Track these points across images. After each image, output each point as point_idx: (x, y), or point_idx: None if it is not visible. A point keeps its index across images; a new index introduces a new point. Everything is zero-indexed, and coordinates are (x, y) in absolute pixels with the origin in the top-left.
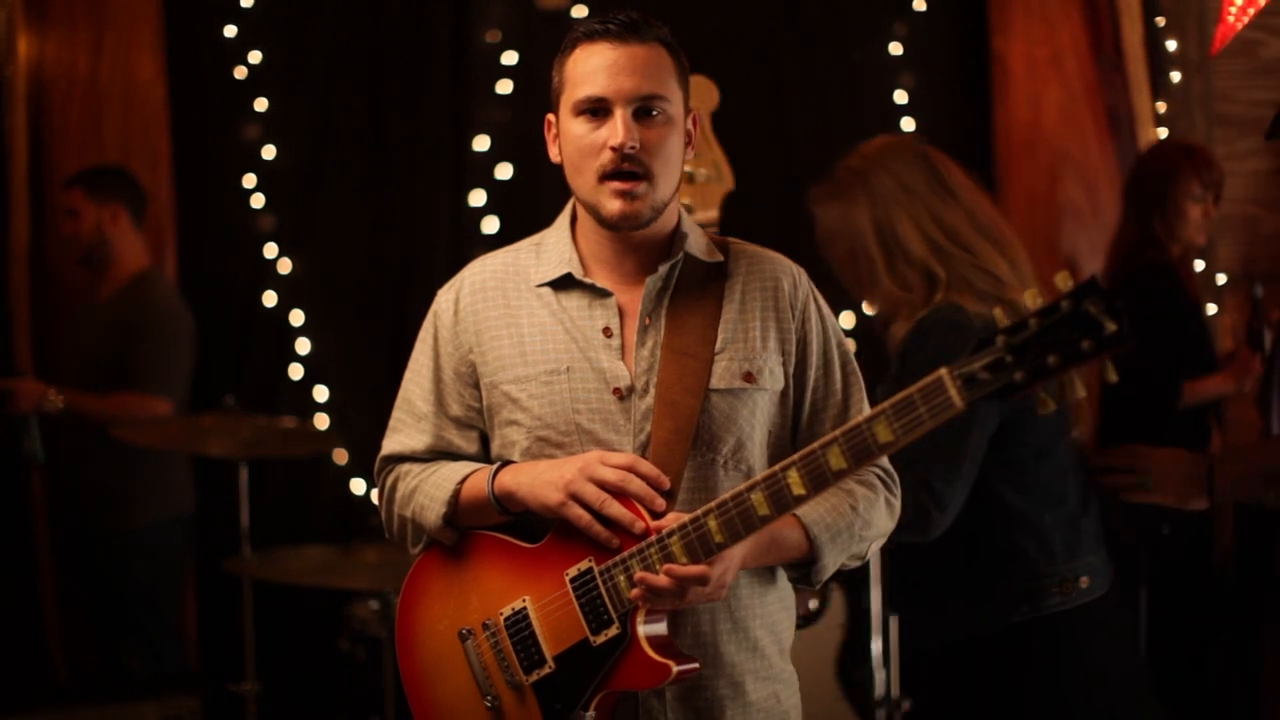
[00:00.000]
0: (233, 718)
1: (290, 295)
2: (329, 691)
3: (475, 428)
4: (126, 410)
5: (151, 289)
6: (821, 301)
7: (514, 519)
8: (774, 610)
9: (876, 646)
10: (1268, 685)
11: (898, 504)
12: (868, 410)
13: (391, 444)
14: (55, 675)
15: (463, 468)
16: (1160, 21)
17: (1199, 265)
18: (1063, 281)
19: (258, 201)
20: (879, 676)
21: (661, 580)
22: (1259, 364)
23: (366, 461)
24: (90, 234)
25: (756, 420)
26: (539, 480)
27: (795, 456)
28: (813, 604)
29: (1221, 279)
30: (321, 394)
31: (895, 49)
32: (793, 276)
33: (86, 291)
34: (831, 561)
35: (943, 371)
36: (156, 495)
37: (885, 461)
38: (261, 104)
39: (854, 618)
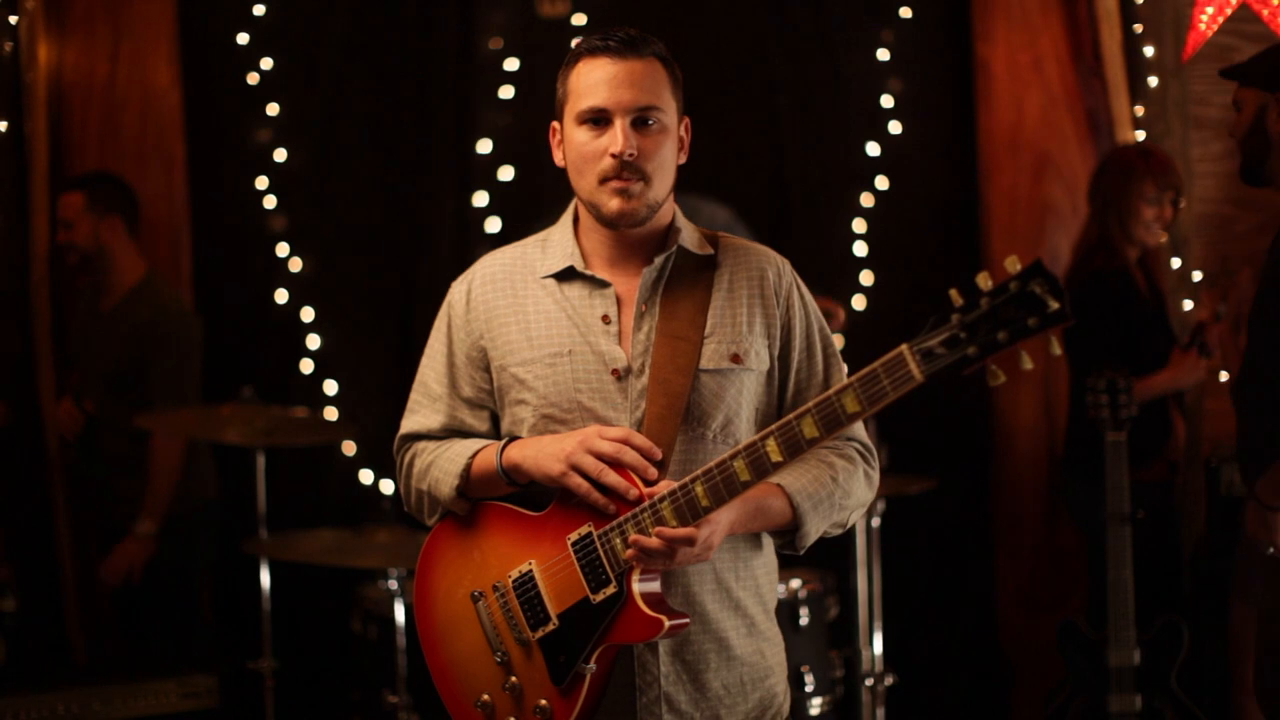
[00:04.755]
0: (250, 695)
1: (301, 293)
2: (343, 668)
3: (486, 408)
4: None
5: (155, 295)
6: (804, 290)
7: (521, 489)
8: (759, 574)
9: (862, 625)
10: (1233, 659)
11: (876, 476)
12: None
13: (409, 424)
14: (74, 655)
15: (474, 444)
16: (1138, 28)
17: (1176, 263)
18: (1011, 265)
19: (270, 203)
20: (865, 653)
21: (653, 542)
22: (1195, 360)
23: (374, 452)
24: (87, 244)
25: (744, 398)
26: (542, 453)
27: (773, 427)
28: None
29: (1197, 276)
30: (331, 388)
31: (883, 55)
32: (777, 267)
33: (90, 301)
34: (814, 528)
35: (904, 347)
36: (179, 483)
37: (864, 436)
38: (273, 109)
39: (843, 597)
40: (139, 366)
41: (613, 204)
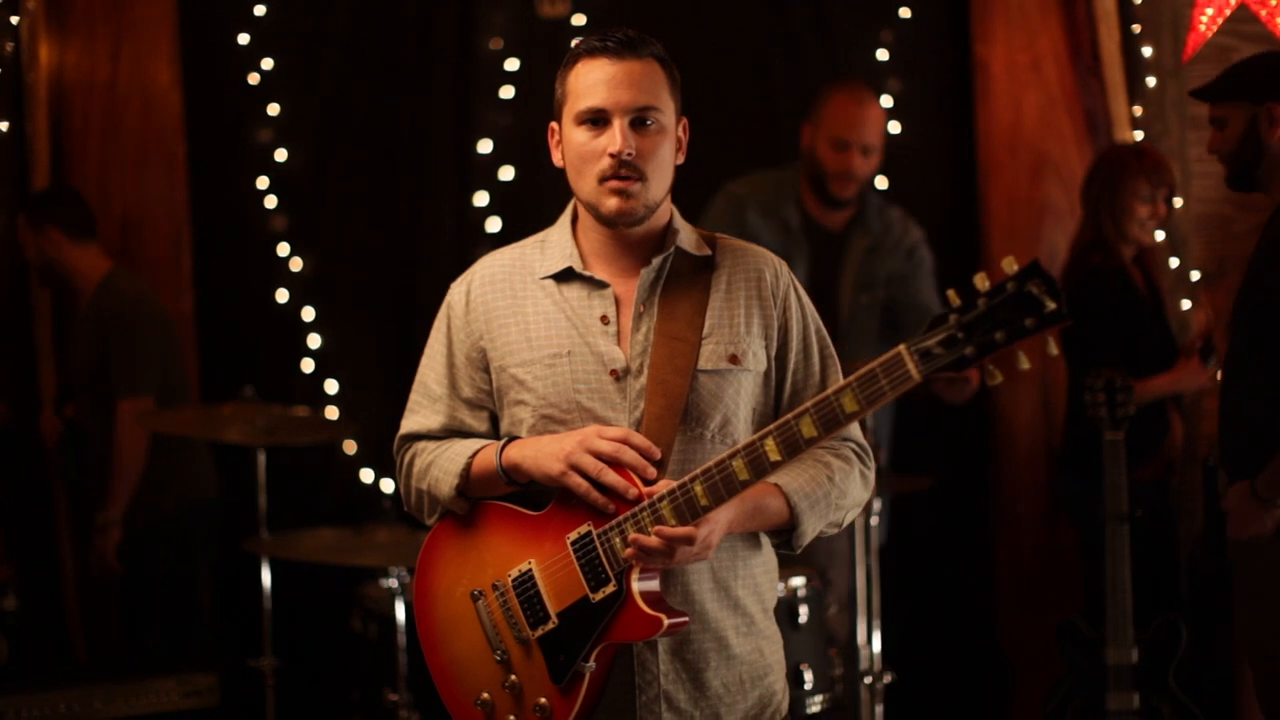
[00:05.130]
0: (251, 693)
1: (301, 292)
2: (344, 666)
3: (485, 408)
4: (121, 419)
5: (116, 290)
6: (801, 291)
7: (520, 489)
8: (757, 573)
9: (861, 623)
10: (1236, 658)
11: (871, 476)
12: None
13: (409, 424)
14: (75, 653)
15: (474, 444)
16: (1136, 29)
17: (1174, 262)
18: (1008, 265)
19: (270, 202)
20: (864, 652)
21: (652, 540)
22: (1198, 366)
23: (375, 451)
24: (36, 260)
25: (741, 398)
26: (542, 453)
27: (772, 426)
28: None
29: (1195, 275)
30: (331, 387)
31: (882, 55)
32: (774, 268)
33: (72, 310)
34: (811, 528)
35: (901, 348)
36: (178, 482)
37: (860, 436)
38: (274, 109)
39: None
40: (108, 361)
41: (611, 203)
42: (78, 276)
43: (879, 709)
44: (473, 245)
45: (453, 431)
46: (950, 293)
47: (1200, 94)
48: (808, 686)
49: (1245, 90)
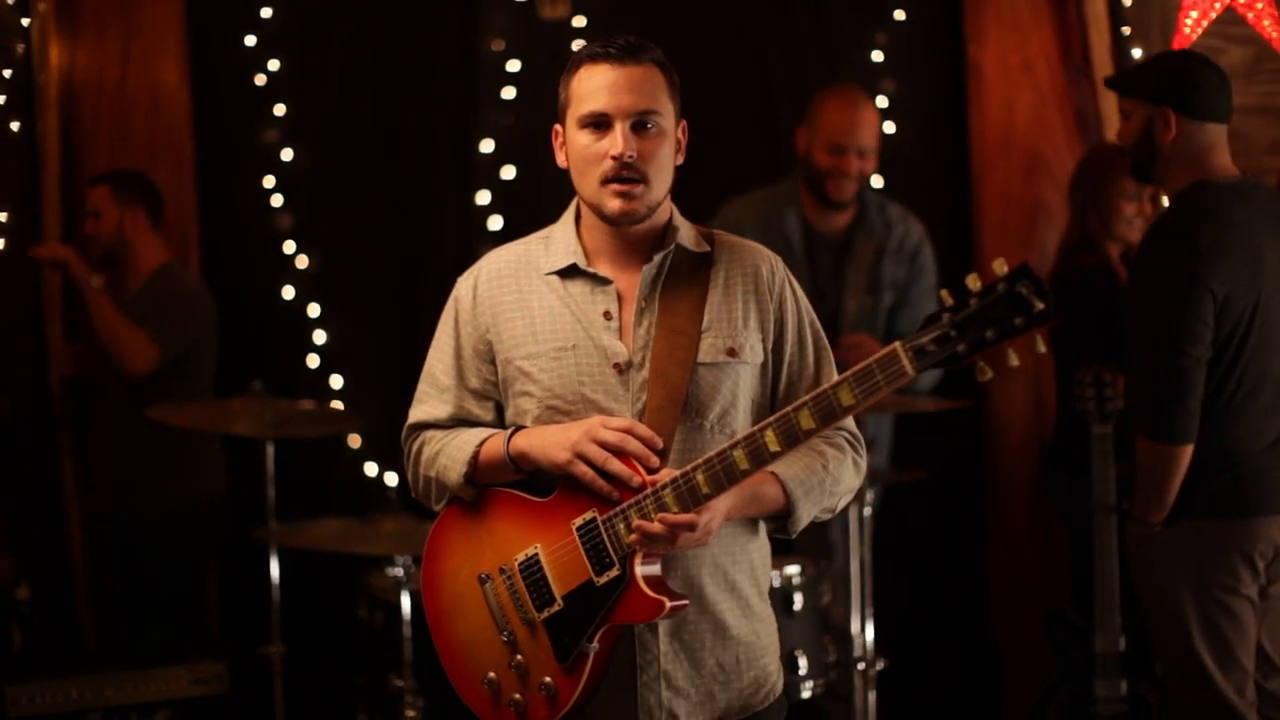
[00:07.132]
0: (259, 680)
1: (307, 289)
2: (350, 653)
3: (492, 399)
4: (122, 334)
5: (170, 276)
6: (796, 287)
7: (526, 476)
8: (754, 558)
9: (855, 612)
10: None
11: (863, 463)
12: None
13: (417, 413)
14: (84, 641)
15: (481, 432)
16: (1126, 30)
17: None
18: (999, 267)
19: (277, 201)
20: (857, 640)
21: (655, 527)
22: None
23: (378, 446)
24: (111, 234)
25: (739, 390)
26: (549, 441)
27: (771, 418)
28: None
29: None
30: (336, 381)
31: (877, 56)
32: (770, 264)
33: (115, 292)
34: (805, 514)
35: (897, 345)
36: (188, 477)
37: (853, 425)
38: (280, 109)
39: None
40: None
41: (614, 204)
42: (139, 261)
43: (872, 696)
44: (474, 243)
45: (460, 421)
46: (943, 292)
47: (1110, 84)
48: (802, 672)
49: (1145, 89)
